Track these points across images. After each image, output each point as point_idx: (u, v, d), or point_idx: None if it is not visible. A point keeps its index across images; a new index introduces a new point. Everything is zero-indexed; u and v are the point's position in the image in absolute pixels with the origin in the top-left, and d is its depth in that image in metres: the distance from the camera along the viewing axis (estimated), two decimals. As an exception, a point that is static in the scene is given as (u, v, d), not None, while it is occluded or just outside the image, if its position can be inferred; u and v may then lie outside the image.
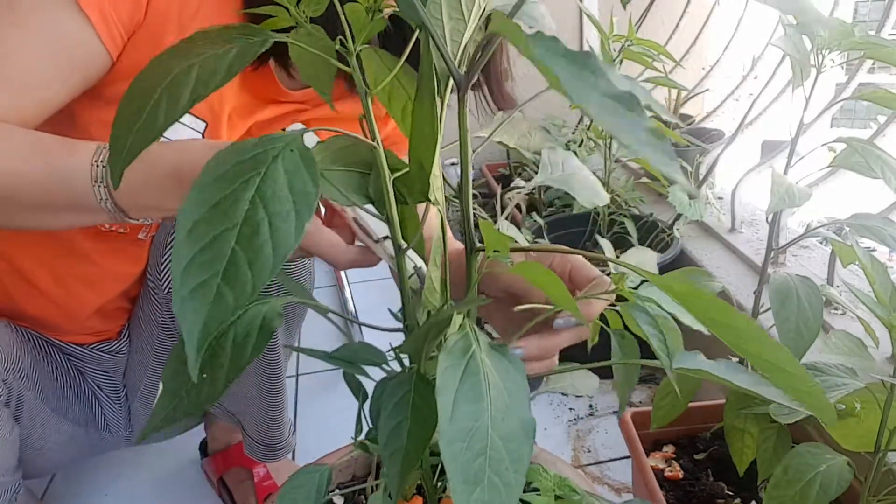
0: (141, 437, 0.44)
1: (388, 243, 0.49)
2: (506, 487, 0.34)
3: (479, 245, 0.44)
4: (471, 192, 0.42)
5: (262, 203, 0.34)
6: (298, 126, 0.86)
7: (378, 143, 0.44)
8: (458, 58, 0.38)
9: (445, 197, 0.44)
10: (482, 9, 0.38)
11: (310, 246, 0.55)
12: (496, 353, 0.39)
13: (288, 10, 0.41)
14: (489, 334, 0.42)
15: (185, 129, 0.74)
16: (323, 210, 0.60)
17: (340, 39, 0.41)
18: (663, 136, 0.26)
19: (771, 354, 0.35)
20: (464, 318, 0.41)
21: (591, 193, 0.56)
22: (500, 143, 0.50)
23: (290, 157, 0.36)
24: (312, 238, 0.55)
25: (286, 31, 0.42)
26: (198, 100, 0.37)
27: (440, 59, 0.37)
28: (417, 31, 0.39)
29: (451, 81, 0.40)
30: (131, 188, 0.56)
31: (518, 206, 1.66)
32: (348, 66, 0.42)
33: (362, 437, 0.56)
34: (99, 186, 0.56)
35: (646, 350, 0.50)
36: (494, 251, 0.43)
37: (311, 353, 0.51)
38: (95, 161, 0.56)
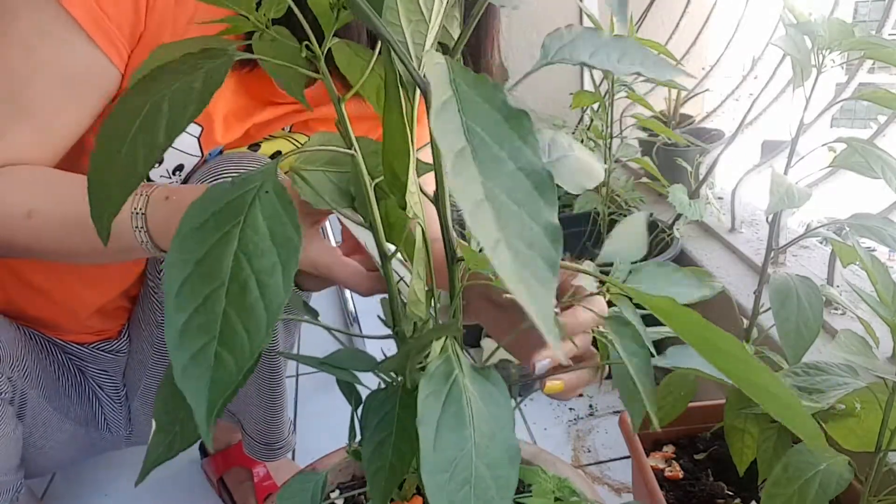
0: (140, 478, 0.43)
1: (397, 264, 0.48)
2: None
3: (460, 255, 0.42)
4: (448, 200, 0.39)
5: (246, 258, 0.33)
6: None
7: (357, 151, 0.42)
8: (423, 61, 0.36)
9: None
10: (444, 4, 0.36)
11: (331, 276, 0.56)
12: (479, 376, 0.38)
13: (248, 17, 0.39)
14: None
15: (181, 134, 0.74)
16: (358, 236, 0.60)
17: (307, 45, 0.39)
18: (558, 238, 0.22)
19: (755, 376, 0.34)
20: (445, 340, 0.40)
21: (581, 176, 0.48)
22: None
23: (267, 201, 0.34)
24: (332, 270, 0.56)
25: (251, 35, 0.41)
26: (173, 138, 0.36)
27: (403, 67, 0.36)
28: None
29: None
30: (170, 231, 0.57)
31: (518, 206, 1.66)
32: (317, 70, 0.40)
33: (356, 442, 0.56)
34: (140, 231, 0.60)
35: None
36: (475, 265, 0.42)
37: (303, 359, 0.51)
38: (134, 209, 0.59)
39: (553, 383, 0.50)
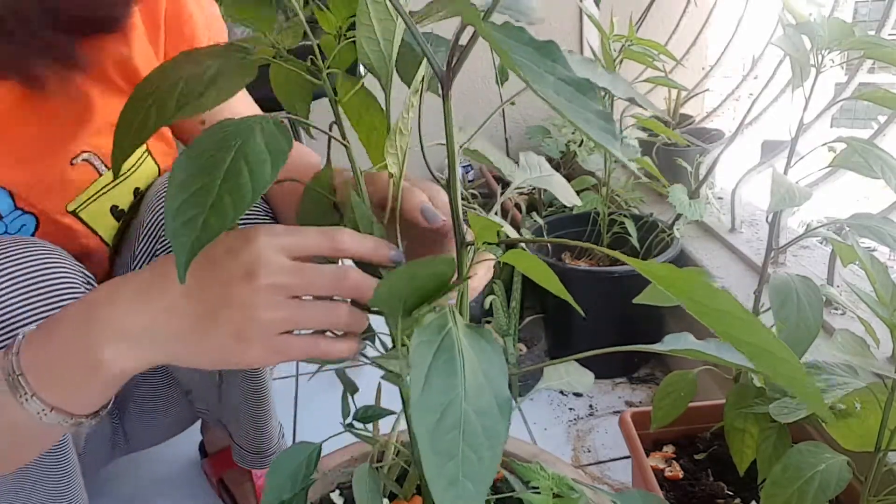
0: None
1: None
2: (480, 461, 0.33)
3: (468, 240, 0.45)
4: (458, 186, 0.42)
5: (244, 158, 0.40)
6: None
7: (348, 144, 0.48)
8: (391, 56, 0.44)
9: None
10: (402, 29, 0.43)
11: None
12: (474, 332, 0.38)
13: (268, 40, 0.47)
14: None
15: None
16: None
17: (311, 59, 0.46)
18: (611, 119, 0.30)
19: (755, 337, 0.34)
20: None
21: (568, 194, 0.58)
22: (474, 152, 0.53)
23: (267, 127, 0.42)
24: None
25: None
26: (185, 106, 0.44)
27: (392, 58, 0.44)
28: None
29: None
30: (53, 381, 0.47)
31: (518, 206, 1.66)
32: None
33: (350, 419, 0.57)
34: (27, 398, 0.47)
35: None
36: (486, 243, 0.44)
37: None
38: (8, 375, 0.47)
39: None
